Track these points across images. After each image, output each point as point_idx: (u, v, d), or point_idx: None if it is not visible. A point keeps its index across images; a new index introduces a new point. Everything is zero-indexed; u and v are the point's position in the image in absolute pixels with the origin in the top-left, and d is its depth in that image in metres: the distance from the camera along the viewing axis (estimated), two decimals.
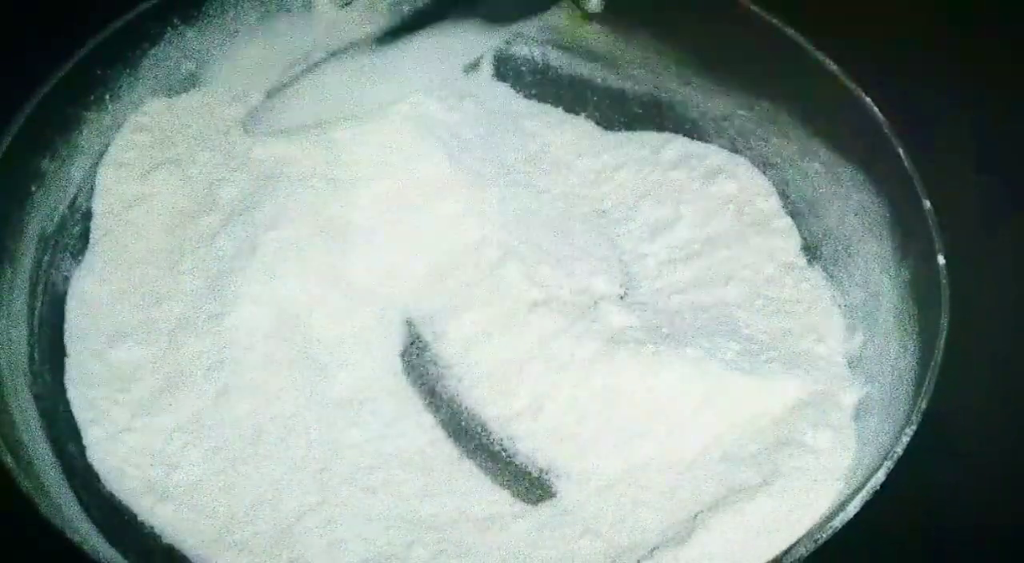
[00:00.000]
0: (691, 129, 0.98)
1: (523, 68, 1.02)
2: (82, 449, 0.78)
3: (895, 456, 0.69)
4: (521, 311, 0.85)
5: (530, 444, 0.81)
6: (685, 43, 0.96)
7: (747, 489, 0.75)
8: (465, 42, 0.91)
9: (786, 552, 0.67)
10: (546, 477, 0.80)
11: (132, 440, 0.78)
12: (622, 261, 0.91)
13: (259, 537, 0.75)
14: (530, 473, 0.81)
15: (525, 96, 1.02)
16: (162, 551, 0.75)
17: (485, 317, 0.85)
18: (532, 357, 0.83)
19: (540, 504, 0.79)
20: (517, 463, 0.81)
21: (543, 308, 0.84)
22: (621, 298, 0.88)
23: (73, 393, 0.80)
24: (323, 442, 0.80)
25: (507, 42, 1.02)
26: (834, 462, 0.77)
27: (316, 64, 0.92)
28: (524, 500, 0.80)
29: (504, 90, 1.01)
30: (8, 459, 0.68)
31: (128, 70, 0.91)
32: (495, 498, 0.79)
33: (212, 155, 0.91)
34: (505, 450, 0.81)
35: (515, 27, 0.95)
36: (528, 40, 1.02)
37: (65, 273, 0.86)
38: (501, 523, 0.78)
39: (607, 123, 1.00)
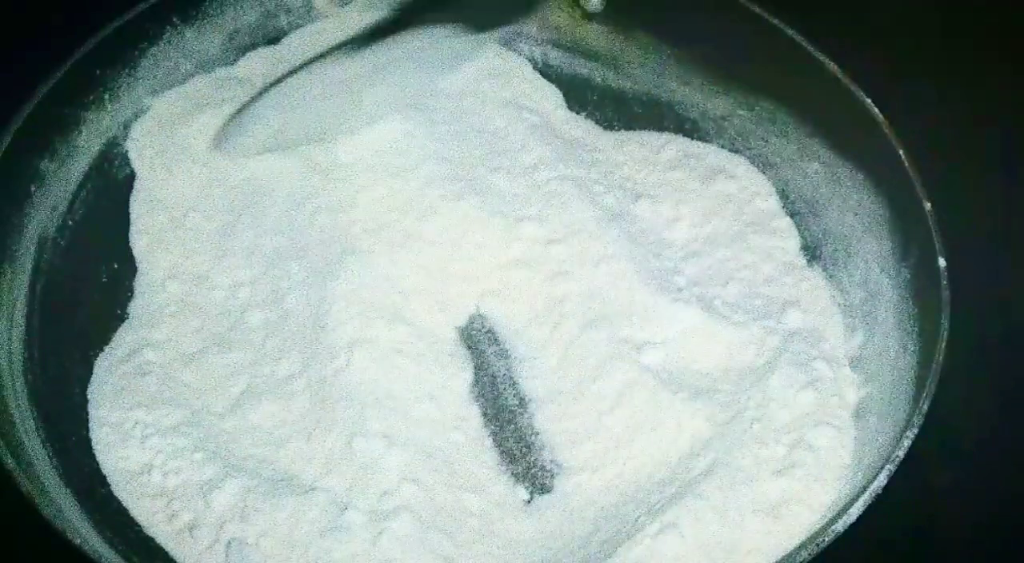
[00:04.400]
0: (691, 129, 0.98)
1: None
2: (83, 451, 0.78)
3: (897, 459, 0.69)
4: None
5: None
6: (685, 43, 0.96)
7: (748, 483, 0.76)
8: (447, 48, 0.89)
9: (789, 556, 0.67)
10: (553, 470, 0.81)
11: (141, 442, 0.78)
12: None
13: (262, 538, 0.75)
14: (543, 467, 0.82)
15: None
16: (164, 553, 0.74)
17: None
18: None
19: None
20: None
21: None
22: None
23: (92, 391, 0.81)
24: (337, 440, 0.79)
25: (507, 42, 1.02)
26: (833, 460, 0.77)
27: (283, 77, 0.89)
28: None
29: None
30: (9, 460, 0.68)
31: (127, 70, 0.91)
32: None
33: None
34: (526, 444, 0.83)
35: (498, 33, 0.93)
36: (528, 40, 1.02)
37: (65, 274, 0.86)
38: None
39: (607, 123, 1.00)
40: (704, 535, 0.73)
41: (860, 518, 0.67)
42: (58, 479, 0.74)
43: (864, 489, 0.68)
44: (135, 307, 0.86)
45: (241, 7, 0.96)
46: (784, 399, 0.79)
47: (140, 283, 0.87)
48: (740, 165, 0.95)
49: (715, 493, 0.74)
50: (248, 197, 0.91)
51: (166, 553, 0.74)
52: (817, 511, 0.74)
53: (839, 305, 0.87)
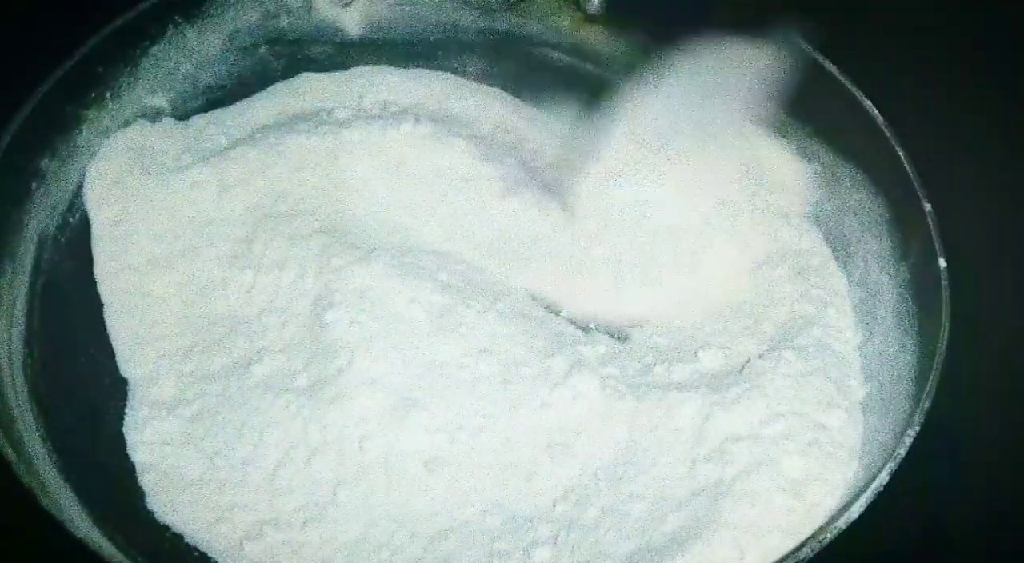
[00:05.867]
0: None
1: (524, 69, 1.02)
2: (83, 446, 0.78)
3: (898, 457, 0.69)
4: None
5: None
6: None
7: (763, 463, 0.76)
8: None
9: (791, 553, 0.67)
10: None
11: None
12: None
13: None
14: None
15: None
16: (164, 549, 0.75)
17: None
18: None
19: None
20: None
21: None
22: None
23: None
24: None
25: (507, 44, 1.02)
26: (846, 441, 0.77)
27: None
28: None
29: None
30: (9, 452, 0.68)
31: (128, 69, 0.91)
32: None
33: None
34: None
35: None
36: (528, 41, 1.02)
37: (65, 272, 0.86)
38: None
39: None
40: (732, 515, 0.73)
41: (861, 516, 0.67)
42: (57, 474, 0.74)
43: (866, 487, 0.68)
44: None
45: (242, 7, 0.96)
46: (794, 384, 0.79)
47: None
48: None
49: (741, 473, 0.75)
50: (254, 202, 0.91)
51: (165, 548, 0.75)
52: (838, 488, 0.74)
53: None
